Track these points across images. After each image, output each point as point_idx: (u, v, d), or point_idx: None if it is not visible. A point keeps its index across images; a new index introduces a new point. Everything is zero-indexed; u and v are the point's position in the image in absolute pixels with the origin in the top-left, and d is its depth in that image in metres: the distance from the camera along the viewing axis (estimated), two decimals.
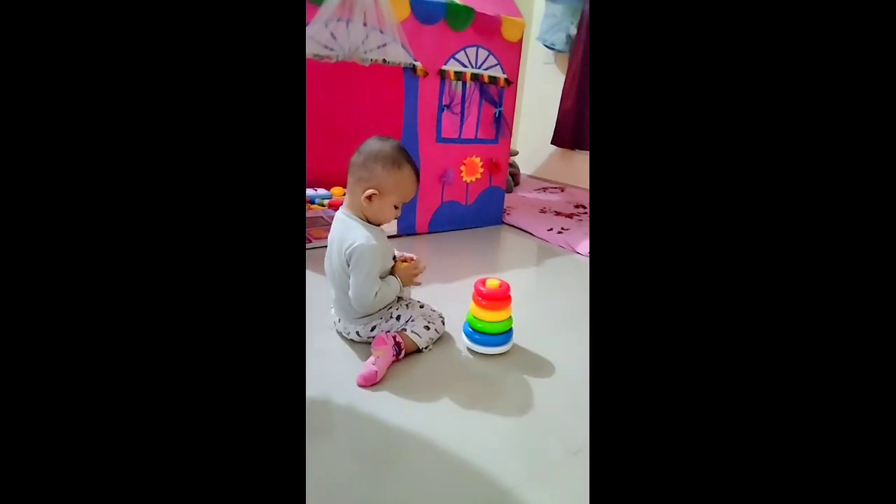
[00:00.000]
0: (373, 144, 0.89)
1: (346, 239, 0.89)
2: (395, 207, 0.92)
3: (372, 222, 0.92)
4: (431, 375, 0.88)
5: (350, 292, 0.90)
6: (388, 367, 0.87)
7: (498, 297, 0.94)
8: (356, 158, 0.89)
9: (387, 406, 0.78)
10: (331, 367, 0.88)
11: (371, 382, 0.83)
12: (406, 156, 0.90)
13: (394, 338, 0.91)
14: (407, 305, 0.98)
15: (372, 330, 0.95)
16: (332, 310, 1.00)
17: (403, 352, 0.91)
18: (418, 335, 0.94)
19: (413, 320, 0.96)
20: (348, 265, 0.89)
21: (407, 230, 1.66)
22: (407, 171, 0.89)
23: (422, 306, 1.00)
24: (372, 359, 0.86)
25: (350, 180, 0.91)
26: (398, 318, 0.96)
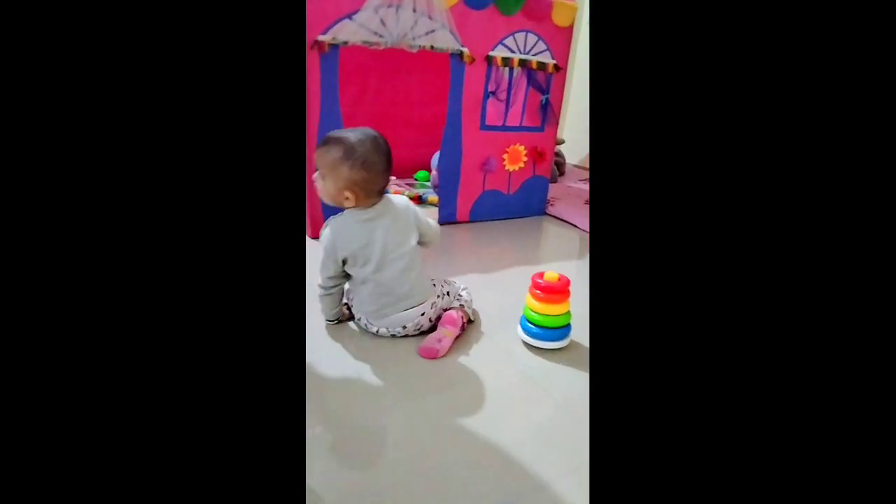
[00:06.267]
0: (378, 152, 0.88)
1: (409, 209, 0.94)
2: (340, 189, 0.90)
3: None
4: (481, 366, 0.89)
5: (433, 237, 0.98)
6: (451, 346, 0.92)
7: (555, 291, 0.92)
8: (372, 172, 0.88)
9: (427, 393, 0.80)
10: (365, 355, 0.91)
11: (432, 356, 0.88)
12: (340, 134, 0.88)
13: (461, 317, 0.96)
14: (434, 284, 1.01)
15: (422, 314, 0.95)
16: (368, 317, 0.96)
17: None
18: (469, 302, 1.02)
19: (459, 297, 1.03)
20: (418, 231, 0.95)
21: (448, 218, 1.66)
22: (331, 148, 0.88)
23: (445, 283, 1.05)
24: (437, 335, 0.90)
25: (369, 192, 0.90)
26: (447, 293, 1.02)
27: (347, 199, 0.88)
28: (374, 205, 0.91)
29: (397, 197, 0.96)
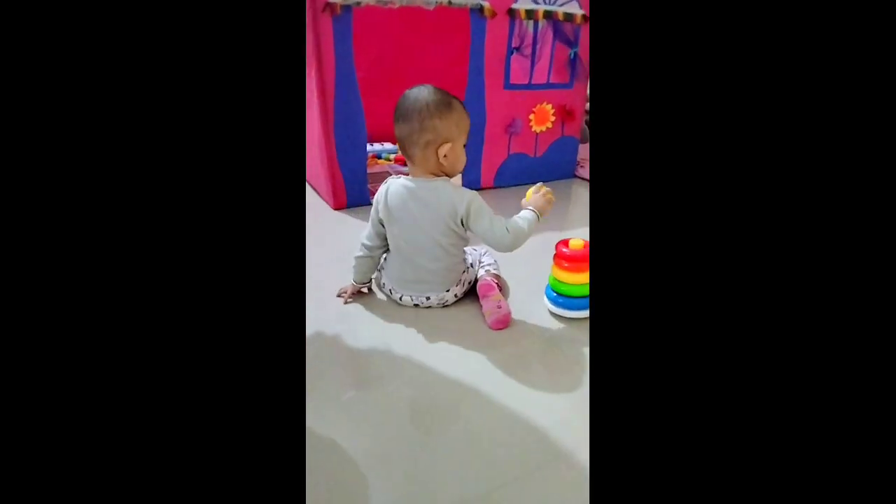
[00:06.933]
0: (413, 105, 0.84)
1: (450, 202, 0.87)
2: (464, 146, 0.90)
3: (450, 175, 0.91)
4: (506, 334, 0.87)
5: (488, 242, 0.90)
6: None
7: (580, 259, 0.88)
8: (410, 127, 0.85)
9: (454, 360, 0.79)
10: (391, 323, 0.90)
11: (506, 324, 0.88)
12: (443, 92, 0.87)
13: (494, 280, 0.95)
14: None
15: (452, 294, 0.95)
16: (392, 282, 0.96)
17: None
18: (496, 269, 0.99)
19: (481, 264, 1.00)
20: (463, 225, 0.89)
21: (471, 185, 1.61)
22: (457, 107, 0.87)
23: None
24: (496, 303, 0.89)
25: (416, 152, 0.87)
26: (472, 264, 1.00)
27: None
28: (423, 177, 0.89)
29: (448, 188, 0.89)
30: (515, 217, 0.90)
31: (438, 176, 0.90)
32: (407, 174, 0.92)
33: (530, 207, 0.90)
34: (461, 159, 0.90)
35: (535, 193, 0.92)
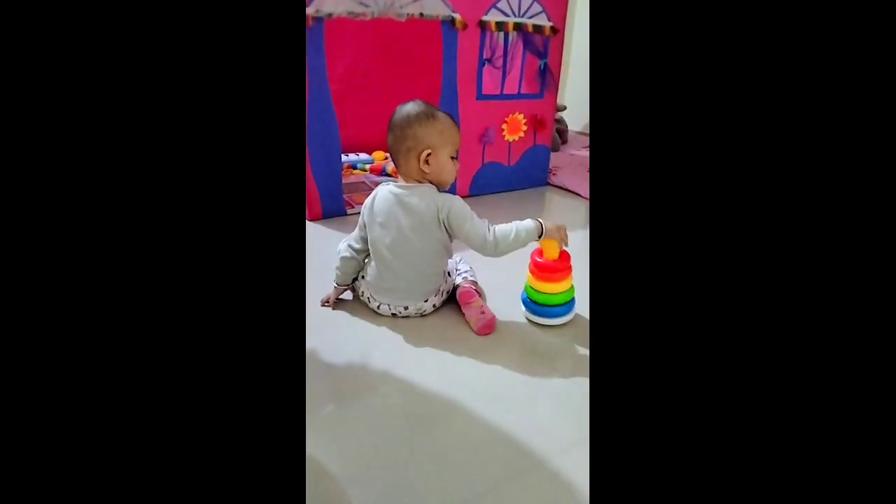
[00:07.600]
0: (398, 116, 0.89)
1: (434, 205, 0.88)
2: (453, 159, 0.91)
3: (439, 186, 0.92)
4: (485, 341, 0.88)
5: (471, 243, 0.89)
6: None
7: (555, 269, 0.89)
8: (394, 137, 0.89)
9: (433, 368, 0.79)
10: (370, 333, 0.90)
11: (492, 329, 0.89)
12: (433, 106, 0.91)
13: (472, 286, 0.96)
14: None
15: (426, 301, 0.94)
16: (370, 290, 0.95)
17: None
18: (473, 276, 1.00)
19: (458, 272, 1.01)
20: (447, 228, 0.89)
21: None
22: (442, 118, 0.90)
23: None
24: (478, 309, 0.90)
25: (399, 160, 0.90)
26: (450, 272, 1.00)
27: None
28: (409, 184, 0.90)
29: (433, 193, 0.89)
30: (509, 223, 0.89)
31: (424, 183, 0.91)
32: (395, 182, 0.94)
33: (539, 219, 0.90)
34: (447, 169, 0.91)
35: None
